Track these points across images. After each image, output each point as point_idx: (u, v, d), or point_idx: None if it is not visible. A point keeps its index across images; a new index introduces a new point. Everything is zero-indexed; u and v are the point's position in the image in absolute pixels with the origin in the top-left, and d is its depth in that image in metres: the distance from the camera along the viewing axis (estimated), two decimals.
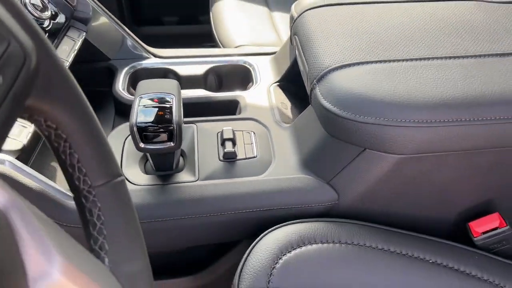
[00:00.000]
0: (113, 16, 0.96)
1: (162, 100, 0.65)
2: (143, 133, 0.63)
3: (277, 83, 0.90)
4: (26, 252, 0.26)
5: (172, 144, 0.65)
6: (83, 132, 0.33)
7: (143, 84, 0.68)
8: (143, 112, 0.64)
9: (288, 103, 0.86)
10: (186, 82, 0.94)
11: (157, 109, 0.64)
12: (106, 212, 0.34)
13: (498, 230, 0.72)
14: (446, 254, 0.70)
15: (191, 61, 0.96)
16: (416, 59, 0.68)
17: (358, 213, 0.72)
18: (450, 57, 0.68)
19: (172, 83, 0.69)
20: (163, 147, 0.65)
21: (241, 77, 0.95)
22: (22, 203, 0.27)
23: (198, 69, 0.95)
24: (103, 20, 0.94)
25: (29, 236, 0.26)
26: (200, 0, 1.56)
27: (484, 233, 0.73)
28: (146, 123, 0.63)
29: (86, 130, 0.34)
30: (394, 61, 0.68)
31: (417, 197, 0.72)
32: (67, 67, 0.59)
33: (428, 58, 0.68)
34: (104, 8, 0.95)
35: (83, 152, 0.33)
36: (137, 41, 0.96)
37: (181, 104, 0.66)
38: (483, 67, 0.67)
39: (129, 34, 0.96)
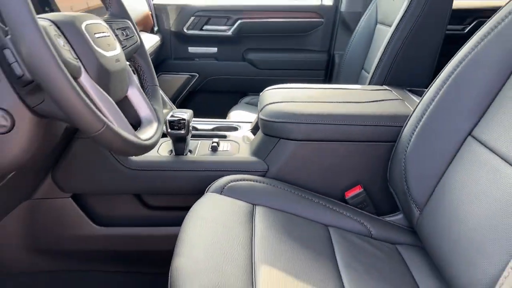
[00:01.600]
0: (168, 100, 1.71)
1: (181, 113, 1.33)
2: (170, 123, 1.30)
3: (250, 130, 1.57)
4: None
5: (183, 131, 1.30)
6: (148, 69, 1.03)
7: (174, 110, 1.38)
8: (172, 116, 1.32)
9: (252, 137, 1.51)
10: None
11: (178, 116, 1.32)
12: (153, 93, 1.01)
13: (357, 192, 1.27)
14: (327, 200, 1.24)
15: (205, 123, 1.66)
16: (316, 102, 1.34)
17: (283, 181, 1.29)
18: (333, 102, 1.34)
19: (190, 110, 1.38)
20: (179, 132, 1.30)
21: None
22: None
23: (209, 126, 1.64)
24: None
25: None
26: None
27: (351, 195, 1.28)
28: (173, 120, 1.31)
29: (149, 68, 1.03)
30: (304, 102, 1.34)
31: (314, 175, 1.29)
32: None
33: (323, 102, 1.34)
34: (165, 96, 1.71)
35: (147, 74, 1.02)
36: None
37: (192, 116, 1.34)
38: (345, 106, 1.32)
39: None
